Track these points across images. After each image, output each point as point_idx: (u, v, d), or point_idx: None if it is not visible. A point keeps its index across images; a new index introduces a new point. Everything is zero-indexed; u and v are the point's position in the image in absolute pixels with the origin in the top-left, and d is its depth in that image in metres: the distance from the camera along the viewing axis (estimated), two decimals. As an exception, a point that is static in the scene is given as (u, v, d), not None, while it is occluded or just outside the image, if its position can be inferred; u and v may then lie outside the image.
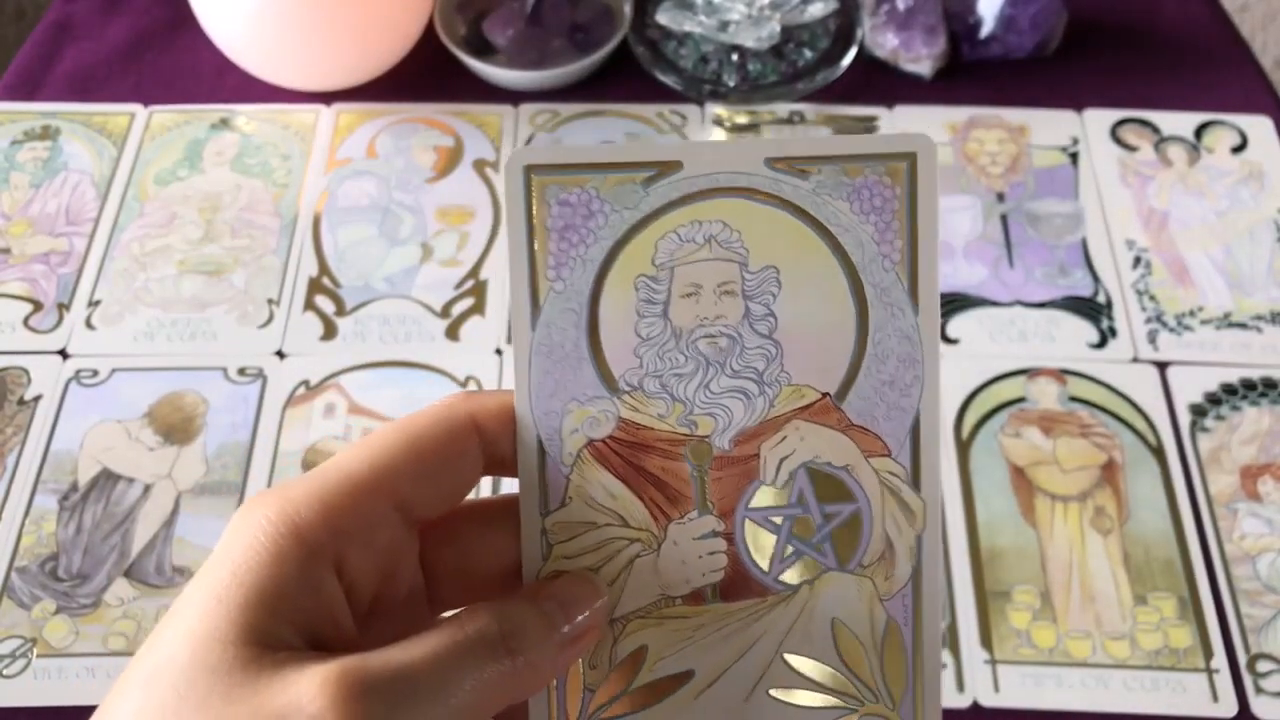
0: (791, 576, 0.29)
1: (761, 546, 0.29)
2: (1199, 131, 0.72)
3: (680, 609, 0.29)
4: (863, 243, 0.29)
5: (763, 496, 0.29)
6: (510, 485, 0.32)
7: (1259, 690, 0.51)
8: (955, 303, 0.64)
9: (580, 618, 0.27)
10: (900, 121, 0.72)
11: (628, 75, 0.74)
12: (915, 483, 0.29)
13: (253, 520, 0.25)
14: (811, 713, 0.29)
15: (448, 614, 0.30)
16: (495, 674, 0.25)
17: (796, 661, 0.29)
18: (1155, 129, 0.72)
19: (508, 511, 0.29)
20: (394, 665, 0.23)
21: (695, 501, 0.29)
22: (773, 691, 0.29)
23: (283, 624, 0.24)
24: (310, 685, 0.22)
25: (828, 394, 0.29)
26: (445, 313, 0.64)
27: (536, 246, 0.28)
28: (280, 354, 0.62)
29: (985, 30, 0.74)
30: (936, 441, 0.29)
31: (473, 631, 0.25)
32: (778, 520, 0.29)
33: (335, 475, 0.26)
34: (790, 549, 0.29)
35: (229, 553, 0.24)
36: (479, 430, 0.28)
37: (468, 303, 0.64)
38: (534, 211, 0.28)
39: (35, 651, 0.52)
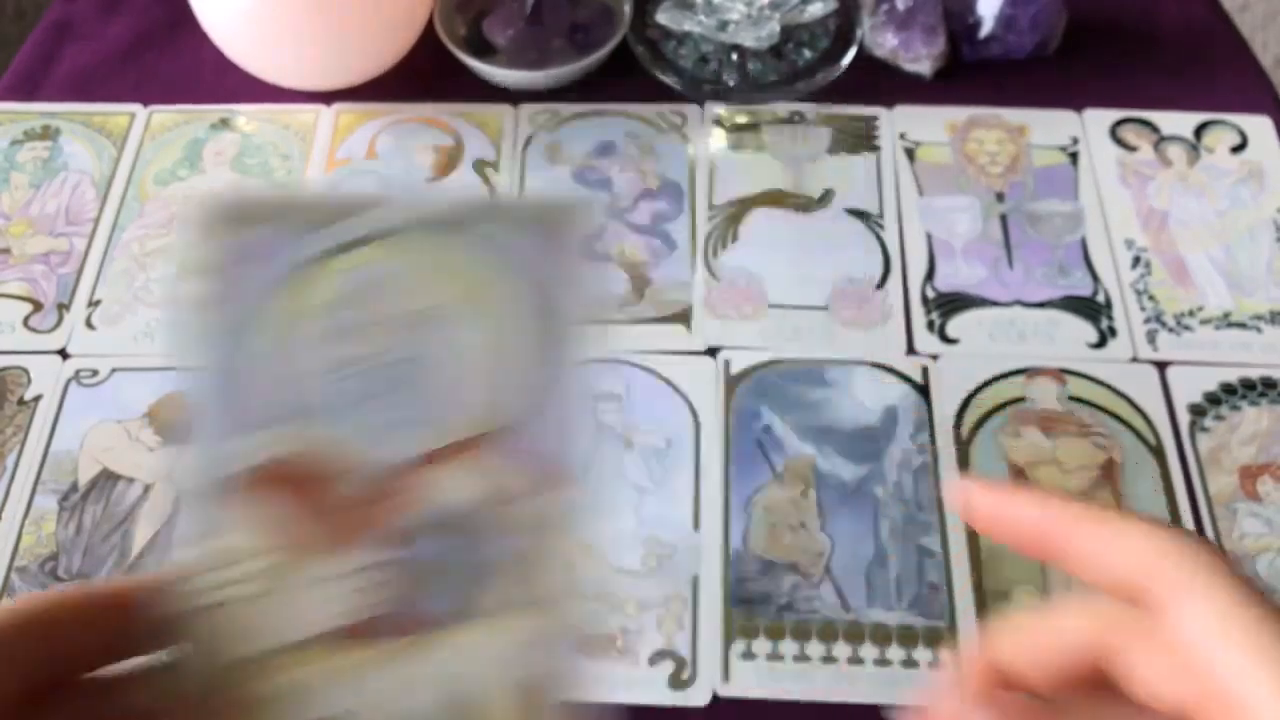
0: (448, 613, 0.29)
1: (420, 580, 0.29)
2: (1199, 131, 0.72)
3: (339, 645, 0.28)
4: (540, 283, 0.30)
5: (423, 529, 0.29)
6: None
7: (1258, 690, 0.51)
8: (955, 303, 0.64)
9: None
10: (900, 121, 0.72)
11: (628, 75, 0.74)
12: (587, 519, 0.29)
13: None
14: None
15: None
16: None
17: (458, 705, 0.29)
18: (1155, 129, 0.72)
19: (98, 606, 0.29)
20: None
21: (356, 532, 0.29)
22: None
23: None
24: None
25: (501, 426, 0.29)
26: (445, 313, 0.64)
27: (212, 276, 0.29)
28: (280, 354, 0.62)
29: (985, 30, 0.74)
30: (608, 484, 0.30)
31: None
32: (437, 554, 0.29)
33: None
34: (447, 585, 0.29)
35: None
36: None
37: (467, 303, 0.64)
38: (209, 244, 0.29)
39: (35, 651, 0.52)
